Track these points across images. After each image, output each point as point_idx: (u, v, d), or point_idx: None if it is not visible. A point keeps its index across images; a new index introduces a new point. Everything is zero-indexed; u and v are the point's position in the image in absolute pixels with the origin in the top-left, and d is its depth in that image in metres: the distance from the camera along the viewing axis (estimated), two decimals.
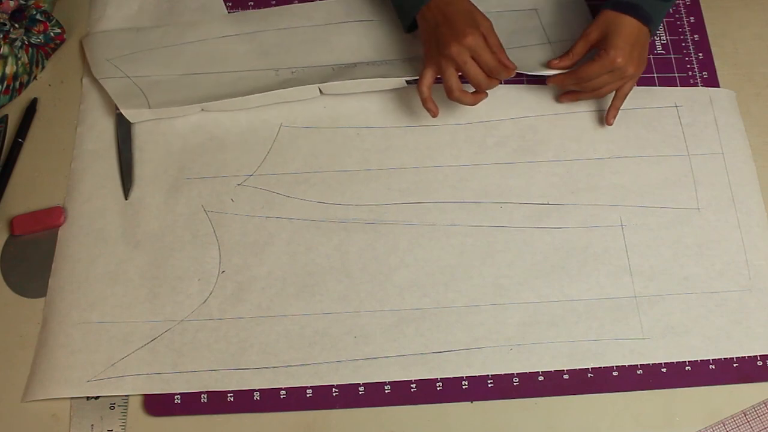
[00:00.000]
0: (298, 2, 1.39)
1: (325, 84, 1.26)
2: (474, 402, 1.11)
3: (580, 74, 1.22)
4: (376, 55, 1.33)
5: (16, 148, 1.25)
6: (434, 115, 1.22)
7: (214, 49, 1.32)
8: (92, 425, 1.09)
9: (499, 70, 1.18)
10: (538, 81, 1.29)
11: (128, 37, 1.33)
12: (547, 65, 1.26)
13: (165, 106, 1.25)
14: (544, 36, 1.34)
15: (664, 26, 1.37)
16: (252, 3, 1.38)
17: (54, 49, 1.33)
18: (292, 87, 1.26)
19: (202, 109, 1.27)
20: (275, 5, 1.39)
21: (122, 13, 1.36)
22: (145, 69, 1.30)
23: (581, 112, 1.29)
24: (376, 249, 1.19)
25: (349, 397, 1.11)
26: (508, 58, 1.19)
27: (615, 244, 1.20)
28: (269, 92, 1.26)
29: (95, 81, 1.30)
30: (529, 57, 1.31)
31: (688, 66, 1.34)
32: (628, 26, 1.19)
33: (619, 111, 1.27)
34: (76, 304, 1.15)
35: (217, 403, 1.10)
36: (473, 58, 1.17)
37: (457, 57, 1.16)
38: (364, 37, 1.35)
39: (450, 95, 1.19)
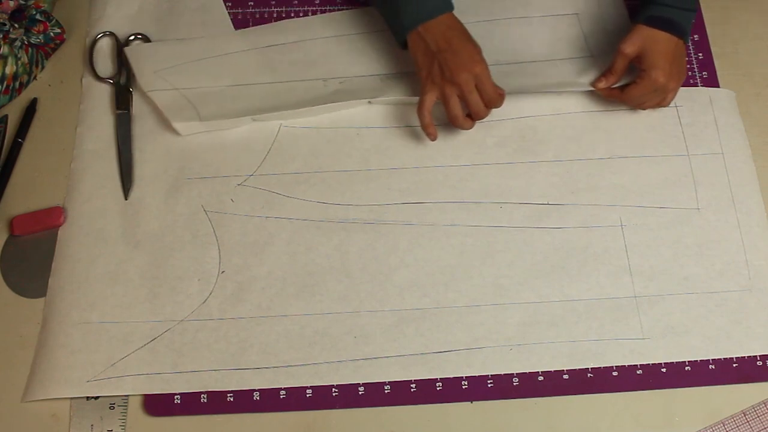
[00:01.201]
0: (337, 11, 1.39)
1: (376, 99, 1.27)
2: (474, 402, 1.11)
3: (625, 98, 1.26)
4: None
5: (15, 148, 1.25)
6: (433, 139, 1.22)
7: (260, 58, 1.31)
8: (92, 425, 1.09)
9: (497, 100, 1.20)
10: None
11: (172, 48, 1.32)
12: (592, 85, 1.27)
13: (215, 119, 1.25)
14: (585, 47, 1.35)
15: None
16: (252, 2, 1.38)
17: (54, 49, 1.33)
18: (342, 100, 1.27)
19: (253, 120, 1.26)
20: (295, 15, 1.38)
21: (122, 13, 1.36)
22: (192, 81, 1.29)
23: (581, 113, 1.30)
24: (376, 249, 1.19)
25: (349, 397, 1.11)
26: (497, 85, 1.21)
27: (615, 244, 1.20)
28: (322, 105, 1.27)
29: (95, 81, 1.30)
30: (572, 71, 1.32)
31: (688, 66, 1.33)
32: (664, 43, 1.20)
33: (619, 111, 1.28)
34: (76, 304, 1.15)
35: (217, 403, 1.10)
36: (476, 87, 1.18)
37: (465, 85, 1.17)
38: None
39: (455, 122, 1.21)
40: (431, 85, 1.20)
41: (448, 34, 1.18)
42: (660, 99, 1.25)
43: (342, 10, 1.38)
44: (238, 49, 1.33)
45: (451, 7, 1.20)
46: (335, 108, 1.27)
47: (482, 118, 1.21)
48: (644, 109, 1.29)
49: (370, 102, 1.28)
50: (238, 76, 1.31)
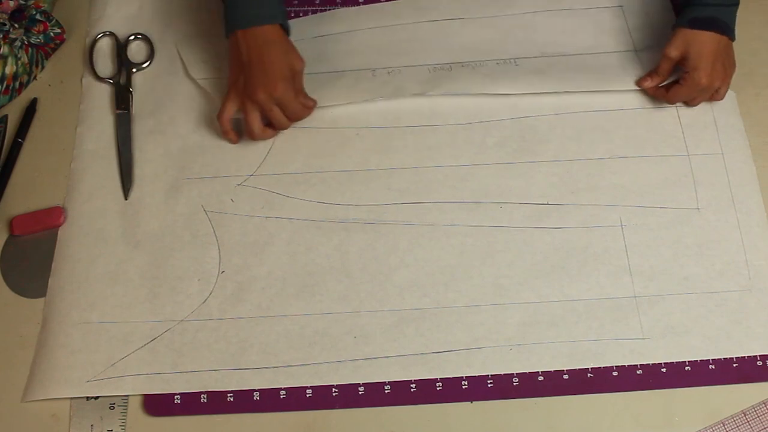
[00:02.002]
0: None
1: (426, 91, 1.28)
2: (474, 402, 1.11)
3: (670, 98, 1.27)
4: (469, 55, 1.34)
5: (15, 148, 1.25)
6: (234, 143, 1.25)
7: (305, 47, 1.28)
8: (92, 425, 1.09)
9: (301, 114, 1.23)
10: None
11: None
12: (638, 84, 1.29)
13: None
14: (630, 41, 1.36)
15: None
16: None
17: (54, 49, 1.33)
18: (389, 90, 1.29)
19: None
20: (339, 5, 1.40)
21: (122, 13, 1.36)
22: None
23: (581, 113, 1.29)
24: (375, 249, 1.19)
25: (349, 397, 1.11)
26: (308, 98, 1.23)
27: (615, 244, 1.20)
28: (374, 96, 1.28)
29: (95, 81, 1.31)
30: (616, 65, 1.33)
31: None
32: (707, 43, 1.21)
33: (619, 111, 1.29)
34: (76, 304, 1.15)
35: (217, 403, 1.10)
36: (279, 105, 1.19)
37: (264, 104, 1.18)
38: (456, 37, 1.36)
39: (250, 136, 1.23)
40: (234, 94, 1.21)
41: (264, 48, 1.17)
42: (707, 96, 1.27)
43: (388, 0, 1.40)
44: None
45: (280, 19, 1.19)
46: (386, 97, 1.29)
47: (286, 128, 1.24)
48: (695, 105, 1.30)
49: (419, 94, 1.29)
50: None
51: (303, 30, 1.34)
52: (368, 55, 1.34)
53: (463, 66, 1.32)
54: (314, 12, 1.39)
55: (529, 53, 1.34)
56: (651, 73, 1.28)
